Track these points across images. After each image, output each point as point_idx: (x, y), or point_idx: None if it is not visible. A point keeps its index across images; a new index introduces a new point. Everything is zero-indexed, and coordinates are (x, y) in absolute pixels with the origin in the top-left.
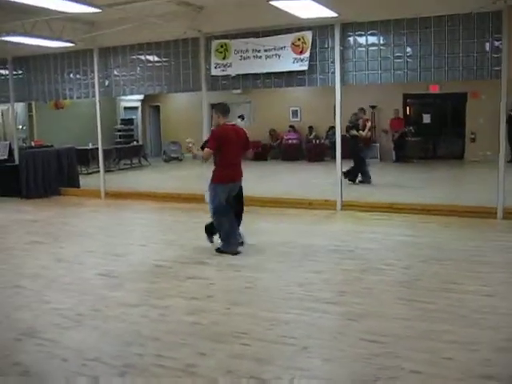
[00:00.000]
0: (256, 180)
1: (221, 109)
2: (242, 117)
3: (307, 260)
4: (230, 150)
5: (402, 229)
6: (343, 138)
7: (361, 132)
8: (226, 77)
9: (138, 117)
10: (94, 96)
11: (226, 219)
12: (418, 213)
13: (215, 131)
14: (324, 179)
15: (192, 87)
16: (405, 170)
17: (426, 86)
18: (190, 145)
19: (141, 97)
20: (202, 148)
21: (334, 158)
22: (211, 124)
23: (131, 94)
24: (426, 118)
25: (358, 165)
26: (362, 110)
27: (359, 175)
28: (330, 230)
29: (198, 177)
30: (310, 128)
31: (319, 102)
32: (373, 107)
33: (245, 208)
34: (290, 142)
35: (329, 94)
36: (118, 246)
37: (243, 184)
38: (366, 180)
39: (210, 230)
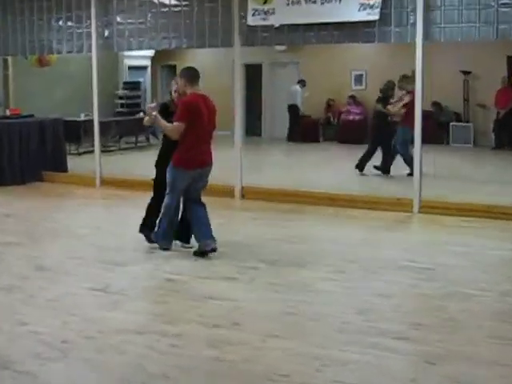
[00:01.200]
0: (304, 169)
1: (189, 74)
2: (302, 82)
3: (370, 279)
4: (201, 126)
5: (502, 241)
6: (425, 114)
7: (389, 107)
8: (268, 28)
9: (146, 80)
10: (89, 51)
11: (173, 212)
12: None
13: (187, 100)
14: (396, 170)
15: (221, 41)
16: (510, 161)
17: None
18: (154, 112)
19: (151, 53)
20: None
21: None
22: (170, 90)
23: (139, 48)
24: None
25: (387, 150)
26: (405, 77)
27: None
28: (402, 239)
29: (225, 158)
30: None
31: (392, 65)
32: (465, 73)
33: (288, 207)
34: (350, 117)
35: (405, 53)
36: (116, 251)
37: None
38: (382, 169)
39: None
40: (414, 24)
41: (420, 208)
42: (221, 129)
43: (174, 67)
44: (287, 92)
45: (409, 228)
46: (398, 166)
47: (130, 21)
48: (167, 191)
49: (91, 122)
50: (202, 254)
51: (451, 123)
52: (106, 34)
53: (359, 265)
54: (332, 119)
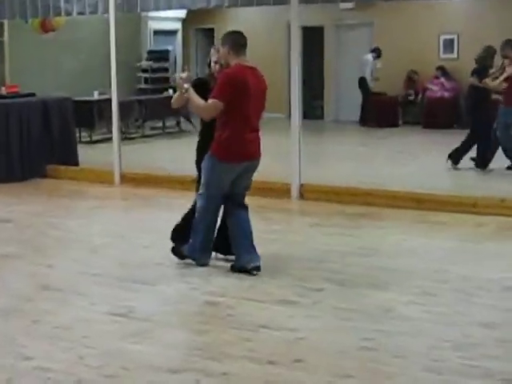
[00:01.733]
0: (379, 162)
1: (233, 40)
2: (376, 52)
3: (467, 304)
4: (248, 106)
5: None
6: None
7: (486, 81)
8: None
9: (176, 48)
10: (105, 11)
11: (211, 218)
12: None
13: (229, 72)
14: (498, 162)
15: None
16: None
17: None
18: (186, 85)
19: (182, 14)
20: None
21: None
22: (208, 62)
23: (168, 8)
24: None
25: (478, 135)
26: (509, 42)
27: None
28: (506, 252)
29: (279, 152)
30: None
31: (492, 27)
32: None
33: (359, 210)
34: (438, 94)
35: (510, 11)
36: (141, 266)
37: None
38: (479, 162)
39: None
40: None
41: None
42: (271, 110)
43: (211, 31)
44: (358, 62)
45: None
46: (497, 157)
47: None
48: (201, 190)
49: (108, 101)
50: (241, 270)
51: None
52: None
53: (452, 285)
54: (413, 97)
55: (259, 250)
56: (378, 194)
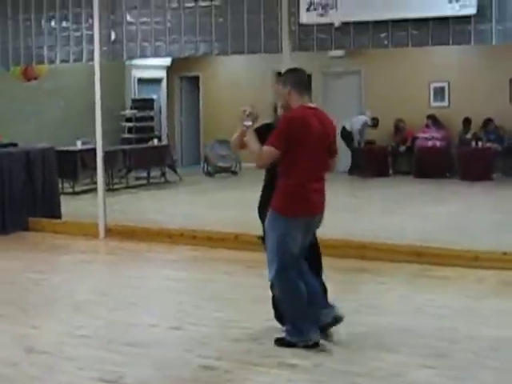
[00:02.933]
0: (373, 214)
1: (296, 79)
2: (374, 121)
3: (483, 367)
4: (310, 155)
5: None
6: None
7: None
8: (326, 27)
9: (161, 96)
10: (90, 59)
11: (295, 286)
12: None
13: (290, 117)
14: (496, 213)
15: (264, 46)
16: None
17: None
18: (249, 122)
19: (167, 62)
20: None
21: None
22: (274, 106)
23: (156, 56)
24: None
25: None
26: None
27: None
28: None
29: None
30: (467, 121)
31: (484, 75)
32: None
33: (356, 264)
34: (429, 143)
35: (504, 58)
36: (131, 327)
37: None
38: None
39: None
40: None
41: None
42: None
43: (196, 79)
44: (345, 110)
45: None
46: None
47: (143, 19)
48: (273, 264)
49: (91, 151)
50: (292, 345)
51: None
52: (113, 37)
53: (464, 346)
54: (399, 146)
55: (254, 307)
56: (375, 246)
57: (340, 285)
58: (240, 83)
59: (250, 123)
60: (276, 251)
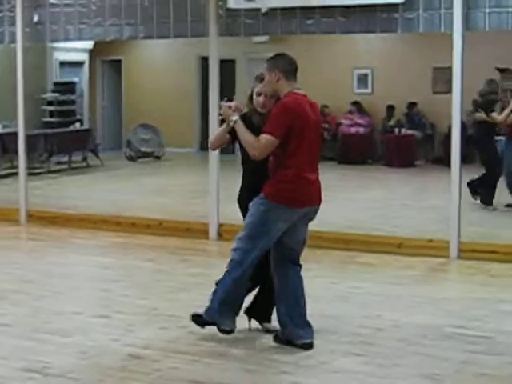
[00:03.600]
0: None
1: (285, 64)
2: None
3: (409, 354)
4: (307, 142)
5: None
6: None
7: (494, 115)
8: (254, 12)
9: (83, 80)
10: (12, 41)
11: (243, 285)
12: None
13: (286, 102)
14: (420, 201)
15: (191, 30)
16: None
17: None
18: (235, 117)
19: (89, 45)
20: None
21: (433, 161)
22: (249, 94)
23: (80, 38)
24: None
25: (492, 171)
26: (505, 70)
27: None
28: (440, 295)
29: (194, 189)
30: (391, 108)
31: (408, 62)
32: (502, 71)
33: None
34: (352, 130)
35: (427, 46)
36: (55, 316)
37: None
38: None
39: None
40: (451, 9)
41: (460, 252)
42: (182, 145)
43: (119, 63)
44: None
45: (447, 280)
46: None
47: (67, 1)
48: (243, 242)
49: (12, 135)
50: (288, 343)
51: None
52: (35, 18)
53: (390, 334)
54: (324, 132)
55: (180, 295)
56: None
57: None
58: (163, 67)
59: (237, 117)
60: (254, 237)
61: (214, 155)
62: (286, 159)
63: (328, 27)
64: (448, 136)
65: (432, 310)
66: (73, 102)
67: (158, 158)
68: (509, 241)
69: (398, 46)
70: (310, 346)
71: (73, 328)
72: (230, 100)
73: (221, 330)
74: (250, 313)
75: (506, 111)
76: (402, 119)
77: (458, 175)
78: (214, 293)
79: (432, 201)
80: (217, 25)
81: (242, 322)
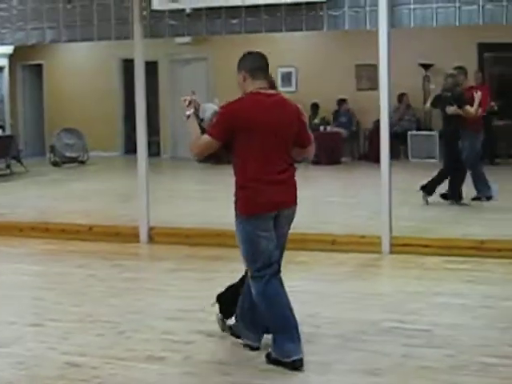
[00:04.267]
0: (227, 200)
1: (248, 63)
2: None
3: (348, 350)
4: (259, 144)
5: (510, 287)
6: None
7: (468, 108)
8: (178, 13)
9: (3, 85)
10: None
11: (277, 293)
12: None
13: (228, 107)
14: (350, 198)
15: (115, 33)
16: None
17: None
18: (189, 111)
19: (8, 50)
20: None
21: (359, 158)
22: None
23: (1, 43)
24: None
25: (451, 165)
26: (460, 69)
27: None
28: (375, 290)
29: (122, 192)
30: (315, 106)
31: (331, 60)
32: (426, 67)
33: (216, 252)
34: None
35: (350, 44)
36: None
37: None
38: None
39: (228, 305)
40: (376, 6)
41: (392, 247)
42: (105, 148)
43: (39, 67)
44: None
45: (381, 275)
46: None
47: None
48: (250, 271)
49: None
50: (278, 363)
51: (409, 132)
52: None
53: (327, 331)
54: None
55: (114, 300)
56: (231, 234)
57: (201, 273)
58: (85, 71)
59: (192, 111)
60: (252, 261)
61: (141, 157)
62: (240, 165)
63: (253, 26)
64: (373, 132)
65: (368, 306)
66: None
67: (82, 162)
68: (441, 235)
69: (320, 44)
70: (301, 362)
71: (8, 338)
72: (194, 94)
73: (253, 348)
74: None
75: (476, 104)
76: (328, 117)
77: (387, 170)
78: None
79: (361, 197)
80: (141, 26)
81: (175, 326)
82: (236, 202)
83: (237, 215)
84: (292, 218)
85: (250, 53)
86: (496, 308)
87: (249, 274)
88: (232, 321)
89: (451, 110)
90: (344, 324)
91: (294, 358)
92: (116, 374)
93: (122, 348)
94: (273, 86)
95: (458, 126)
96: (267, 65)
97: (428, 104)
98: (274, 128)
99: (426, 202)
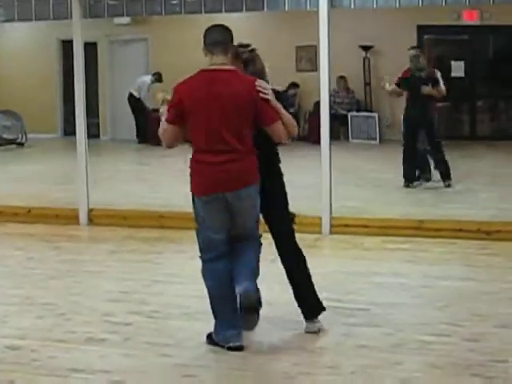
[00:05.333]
0: (165, 181)
1: (206, 39)
2: (156, 76)
3: (286, 329)
4: (203, 122)
5: (448, 266)
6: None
7: (441, 88)
8: None
9: None
10: None
11: (212, 277)
12: (471, 237)
13: (175, 87)
14: (289, 178)
15: (54, 12)
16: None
17: (456, 14)
18: (162, 108)
19: None
20: None
21: (299, 139)
22: None
23: None
24: (457, 69)
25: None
26: (418, 49)
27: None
28: (317, 271)
29: (60, 175)
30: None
31: (272, 42)
32: (365, 49)
33: (156, 233)
34: None
35: (290, 25)
36: None
37: None
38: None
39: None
40: None
41: (332, 228)
42: (44, 130)
43: None
44: (133, 79)
45: (321, 255)
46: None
47: None
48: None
49: None
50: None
51: (349, 113)
52: None
53: (265, 312)
54: None
55: (53, 283)
56: (171, 215)
57: (141, 255)
58: (22, 52)
59: (165, 107)
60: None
61: (80, 139)
62: (191, 144)
63: (193, 7)
64: (312, 114)
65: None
66: None
67: (20, 144)
68: (380, 215)
69: (261, 25)
70: (240, 349)
71: None
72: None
73: (229, 348)
74: None
75: (441, 84)
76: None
77: (327, 151)
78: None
79: (300, 178)
80: (80, 6)
81: (115, 308)
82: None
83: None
84: (248, 200)
85: (209, 27)
86: (434, 287)
87: None
88: None
89: (426, 90)
90: (283, 305)
91: (232, 344)
92: (55, 356)
93: (61, 330)
94: (240, 58)
95: (430, 106)
96: (228, 38)
97: (390, 85)
98: (217, 106)
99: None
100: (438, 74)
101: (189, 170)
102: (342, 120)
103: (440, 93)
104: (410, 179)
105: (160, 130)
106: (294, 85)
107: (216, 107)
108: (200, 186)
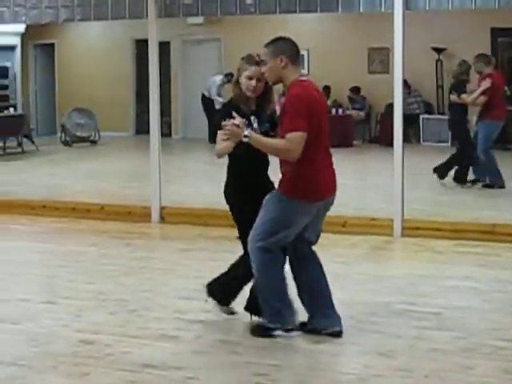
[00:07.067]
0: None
1: (290, 50)
2: (228, 77)
3: (359, 331)
4: (324, 131)
5: None
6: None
7: (464, 96)
8: None
9: (15, 64)
10: None
11: (278, 272)
12: None
13: (301, 94)
14: (361, 180)
15: (129, 12)
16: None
17: None
18: (246, 132)
19: (21, 29)
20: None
21: (370, 141)
22: (236, 78)
23: (15, 21)
24: None
25: (462, 151)
26: (482, 57)
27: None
28: (387, 273)
29: (133, 172)
30: (327, 89)
31: (344, 43)
32: (438, 51)
33: (226, 232)
34: None
35: (363, 26)
36: (1, 304)
37: None
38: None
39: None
40: None
41: (403, 230)
42: (117, 129)
43: (51, 46)
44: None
45: (393, 258)
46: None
47: None
48: (260, 240)
49: None
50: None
51: (421, 116)
52: None
53: (340, 312)
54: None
55: (126, 279)
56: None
57: (211, 253)
58: (97, 51)
59: (248, 130)
60: (270, 234)
61: (154, 137)
62: (305, 152)
63: (267, 7)
64: (384, 115)
65: (379, 288)
66: (6, 87)
67: (93, 142)
68: (452, 218)
69: (333, 26)
70: (339, 334)
71: (21, 315)
72: (232, 117)
73: (285, 330)
74: (252, 309)
75: (476, 93)
76: (340, 100)
77: (400, 153)
78: (261, 298)
79: (372, 180)
80: (155, 6)
81: (186, 305)
82: (289, 181)
83: (284, 193)
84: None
85: (285, 38)
86: (507, 292)
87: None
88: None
89: (452, 98)
90: (356, 306)
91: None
92: (129, 352)
93: (134, 326)
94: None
95: (463, 112)
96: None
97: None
98: (326, 113)
99: (442, 182)
100: (483, 83)
101: (300, 175)
102: (411, 122)
103: (463, 101)
104: (462, 180)
105: (285, 144)
106: (356, 88)
107: (327, 116)
108: (319, 192)
